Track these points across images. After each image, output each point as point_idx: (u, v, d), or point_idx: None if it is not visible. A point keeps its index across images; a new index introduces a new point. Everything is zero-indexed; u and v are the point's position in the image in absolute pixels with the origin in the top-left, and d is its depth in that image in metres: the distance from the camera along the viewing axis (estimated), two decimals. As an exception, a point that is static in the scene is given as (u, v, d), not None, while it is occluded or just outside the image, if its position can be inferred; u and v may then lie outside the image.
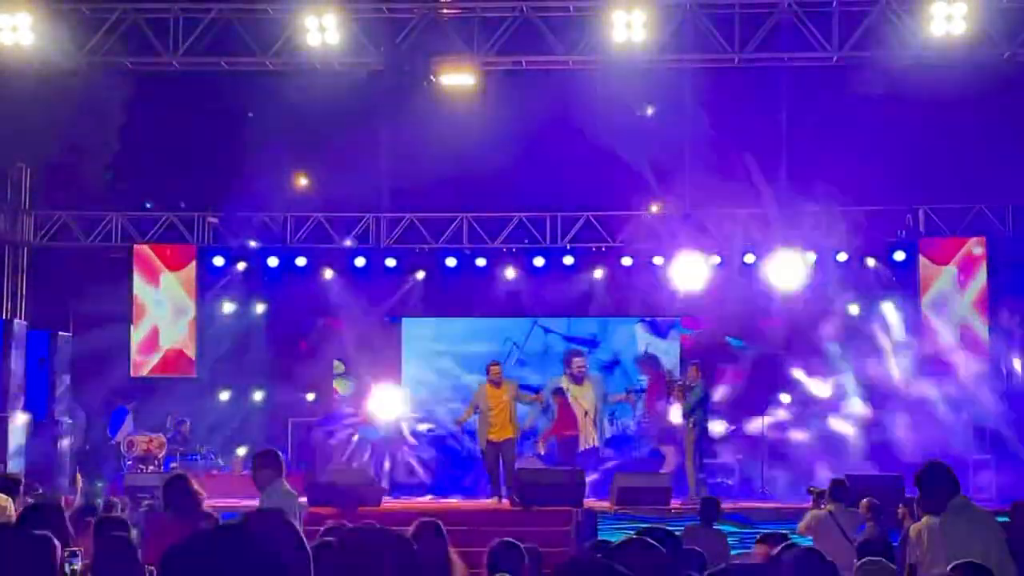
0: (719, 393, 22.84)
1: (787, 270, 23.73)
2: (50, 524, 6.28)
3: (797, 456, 22.89)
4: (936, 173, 24.81)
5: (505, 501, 18.14)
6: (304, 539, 4.18)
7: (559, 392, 23.83)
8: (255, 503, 17.08)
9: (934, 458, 8.53)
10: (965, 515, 8.14)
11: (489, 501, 18.74)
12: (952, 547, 7.86)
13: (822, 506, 13.93)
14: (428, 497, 22.17)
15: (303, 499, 15.12)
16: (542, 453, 23.52)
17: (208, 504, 15.23)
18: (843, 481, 14.28)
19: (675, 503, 18.95)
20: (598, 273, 25.18)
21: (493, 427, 18.66)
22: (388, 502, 18.39)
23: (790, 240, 23.82)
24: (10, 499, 12.56)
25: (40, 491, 14.94)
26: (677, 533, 8.13)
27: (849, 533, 13.18)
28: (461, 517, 15.64)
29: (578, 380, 25.59)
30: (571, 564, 4.28)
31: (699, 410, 20.16)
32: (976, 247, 23.77)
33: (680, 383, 20.69)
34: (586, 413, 24.63)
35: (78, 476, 19.50)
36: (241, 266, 25.35)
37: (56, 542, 5.13)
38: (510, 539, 7.87)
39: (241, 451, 23.75)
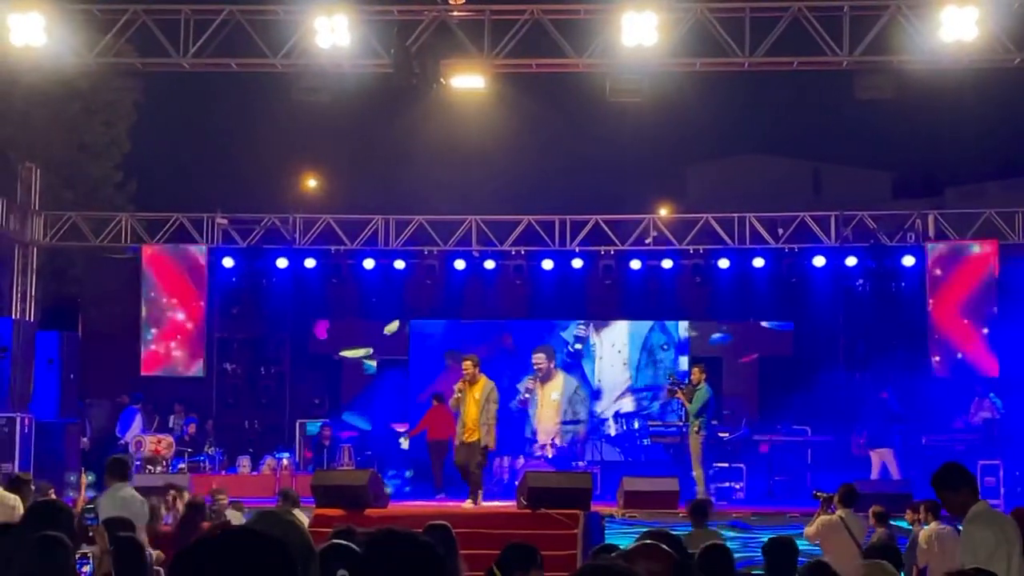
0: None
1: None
2: (59, 524, 6.28)
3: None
4: (943, 178, 24.86)
5: (465, 502, 17.95)
6: (312, 542, 4.17)
7: (437, 397, 23.97)
8: (263, 504, 17.14)
9: (952, 460, 8.41)
10: (986, 522, 8.06)
11: (465, 504, 18.23)
12: (973, 555, 7.79)
13: (830, 511, 13.88)
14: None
15: (225, 498, 15.33)
16: (405, 448, 24.13)
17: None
18: (853, 486, 14.23)
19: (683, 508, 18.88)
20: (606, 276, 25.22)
21: (464, 427, 18.28)
22: (395, 504, 18.37)
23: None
24: (19, 498, 12.56)
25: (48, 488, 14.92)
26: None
27: (859, 539, 13.15)
28: (468, 520, 15.62)
29: (543, 378, 25.75)
30: (590, 570, 4.25)
31: (705, 413, 20.13)
32: (985, 252, 23.72)
33: (684, 385, 20.63)
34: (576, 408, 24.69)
35: (83, 475, 19.42)
36: (249, 267, 25.38)
37: (69, 543, 5.13)
38: (522, 541, 7.87)
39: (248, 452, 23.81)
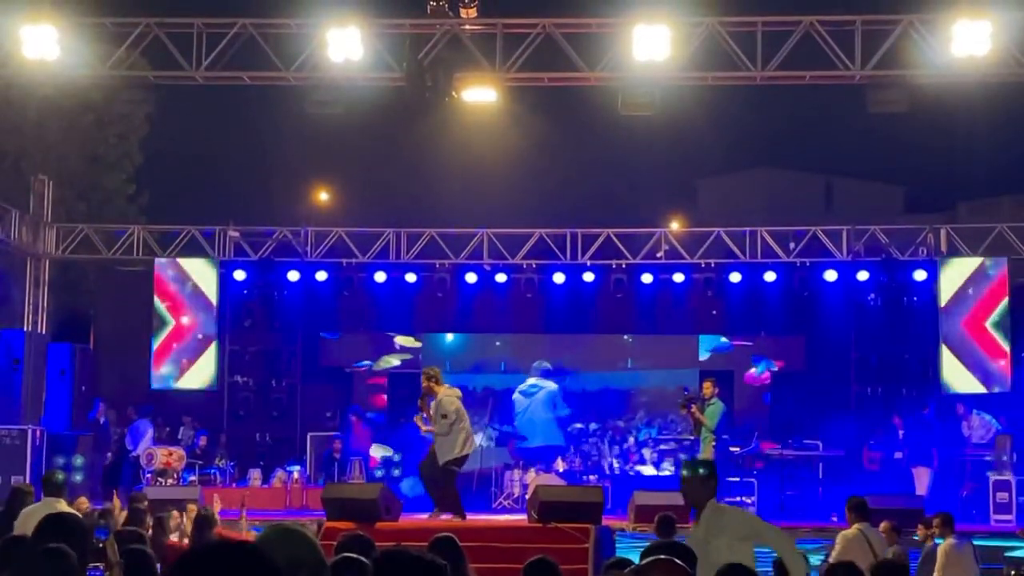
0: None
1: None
2: (70, 537, 6.28)
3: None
4: (956, 192, 24.80)
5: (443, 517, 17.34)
6: (324, 556, 4.15)
7: (355, 412, 24.00)
8: (274, 516, 17.13)
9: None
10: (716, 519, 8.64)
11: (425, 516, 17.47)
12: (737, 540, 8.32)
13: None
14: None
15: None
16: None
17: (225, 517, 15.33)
18: (864, 500, 14.17)
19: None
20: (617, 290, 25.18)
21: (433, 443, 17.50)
22: (406, 518, 18.32)
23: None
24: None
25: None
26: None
27: (879, 552, 13.04)
28: (478, 534, 15.58)
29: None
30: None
31: (718, 427, 20.06)
32: (997, 267, 23.65)
33: (698, 399, 20.53)
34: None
35: (116, 497, 19.19)
36: (261, 280, 25.38)
37: (74, 555, 5.11)
38: (545, 556, 7.83)
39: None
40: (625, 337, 26.82)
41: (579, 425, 25.87)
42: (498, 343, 26.88)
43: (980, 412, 23.07)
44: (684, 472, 8.92)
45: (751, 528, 8.78)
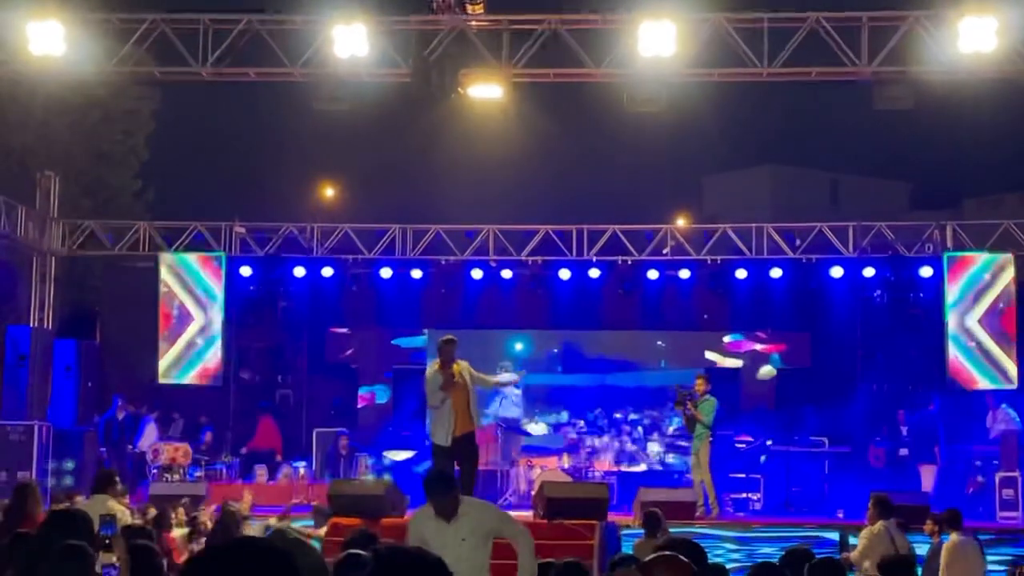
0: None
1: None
2: (78, 532, 6.29)
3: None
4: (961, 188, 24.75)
5: None
6: (324, 561, 4.15)
7: (263, 407, 24.16)
8: (277, 511, 17.16)
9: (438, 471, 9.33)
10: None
11: None
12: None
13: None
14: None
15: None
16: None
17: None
18: (886, 496, 14.18)
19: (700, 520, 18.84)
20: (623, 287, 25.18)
21: (460, 419, 16.05)
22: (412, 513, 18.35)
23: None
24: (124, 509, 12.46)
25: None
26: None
27: (901, 549, 13.06)
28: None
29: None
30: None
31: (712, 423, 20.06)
32: (1003, 264, 23.61)
33: (691, 395, 20.48)
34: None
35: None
36: (267, 276, 25.39)
37: (91, 552, 5.13)
38: (579, 562, 7.82)
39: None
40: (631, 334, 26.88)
41: (619, 415, 25.88)
42: (519, 345, 26.87)
43: (1008, 407, 23.01)
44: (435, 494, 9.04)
45: (496, 522, 8.91)
